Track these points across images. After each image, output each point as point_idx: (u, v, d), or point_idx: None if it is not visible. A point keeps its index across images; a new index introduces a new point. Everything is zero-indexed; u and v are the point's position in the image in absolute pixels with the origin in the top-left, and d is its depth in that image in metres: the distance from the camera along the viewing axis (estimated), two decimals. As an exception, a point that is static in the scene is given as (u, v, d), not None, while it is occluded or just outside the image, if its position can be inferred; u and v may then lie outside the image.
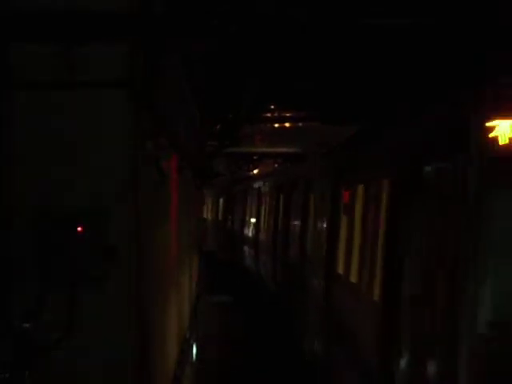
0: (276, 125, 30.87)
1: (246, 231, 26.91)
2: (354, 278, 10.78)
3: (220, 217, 40.64)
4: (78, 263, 6.09)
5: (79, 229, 6.07)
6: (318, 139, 33.90)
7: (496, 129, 6.38)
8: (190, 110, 12.08)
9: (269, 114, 27.06)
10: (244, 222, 28.29)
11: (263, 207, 23.96)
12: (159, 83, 6.88)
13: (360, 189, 10.88)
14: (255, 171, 43.98)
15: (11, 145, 6.07)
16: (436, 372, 6.95)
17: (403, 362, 7.89)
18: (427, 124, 8.21)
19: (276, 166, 41.12)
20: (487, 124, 6.40)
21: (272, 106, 25.13)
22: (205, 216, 36.29)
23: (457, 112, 7.14)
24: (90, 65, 6.09)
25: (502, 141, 6.36)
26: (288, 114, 27.84)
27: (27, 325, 5.92)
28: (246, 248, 26.13)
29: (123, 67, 6.10)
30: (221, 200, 41.18)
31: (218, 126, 19.58)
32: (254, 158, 45.17)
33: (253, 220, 25.80)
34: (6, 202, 6.07)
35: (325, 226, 13.33)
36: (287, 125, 30.78)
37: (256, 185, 26.40)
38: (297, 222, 17.21)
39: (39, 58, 6.06)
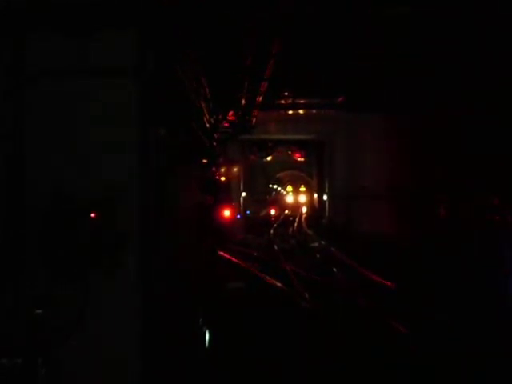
0: (290, 111, 30.85)
1: None
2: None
3: None
4: (90, 250, 6.09)
5: (92, 215, 6.06)
6: (332, 126, 33.88)
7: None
8: (201, 96, 12.06)
9: (283, 101, 27.02)
10: None
11: None
12: (169, 71, 6.87)
13: None
14: (269, 158, 44.07)
15: (24, 132, 6.08)
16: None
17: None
18: None
19: (289, 152, 41.29)
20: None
21: (286, 93, 25.07)
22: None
23: None
24: (100, 53, 6.08)
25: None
26: (302, 101, 27.79)
27: (39, 311, 5.92)
28: None
29: (133, 55, 6.08)
30: None
31: (231, 113, 19.55)
32: (269, 144, 45.20)
33: None
34: (18, 192, 6.08)
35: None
36: (301, 112, 30.75)
37: None
38: None
39: (52, 47, 6.05)
